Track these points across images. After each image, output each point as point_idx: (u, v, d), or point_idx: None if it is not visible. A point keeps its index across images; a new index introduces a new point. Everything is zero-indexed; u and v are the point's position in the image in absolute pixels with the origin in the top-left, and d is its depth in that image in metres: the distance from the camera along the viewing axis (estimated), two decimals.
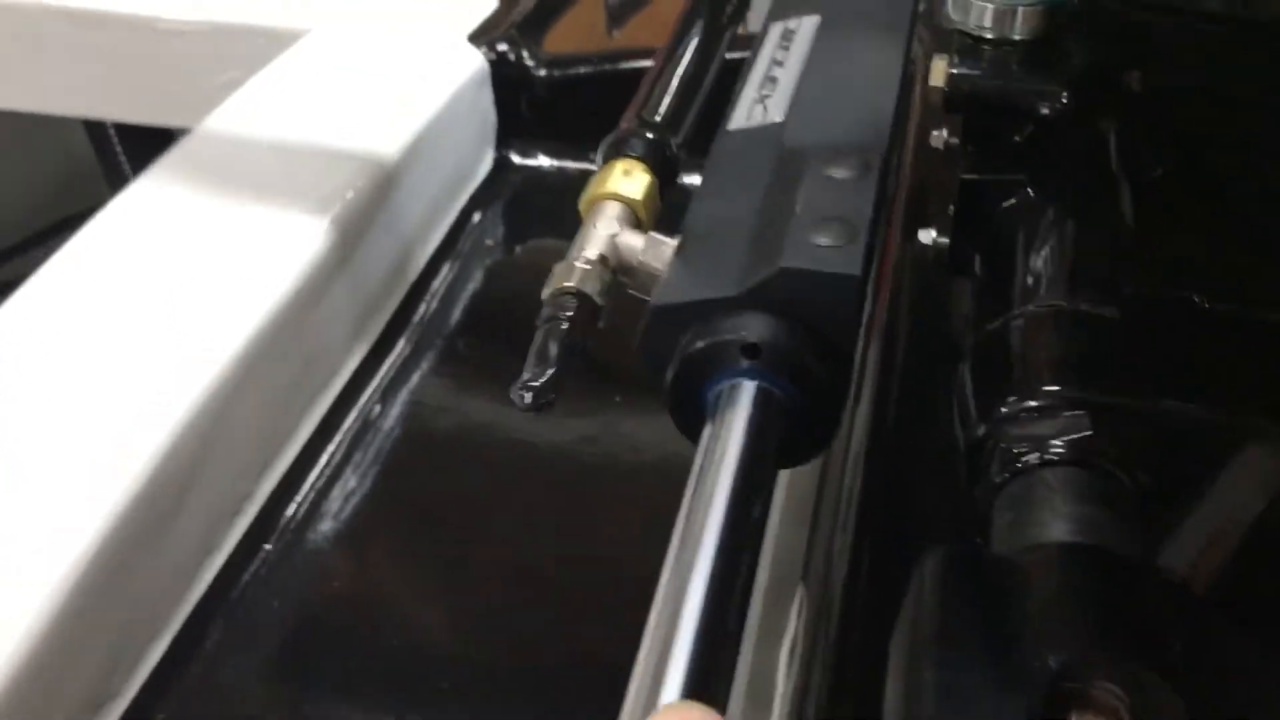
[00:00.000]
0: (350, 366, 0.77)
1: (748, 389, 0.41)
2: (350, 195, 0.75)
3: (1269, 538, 0.39)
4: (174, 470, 0.58)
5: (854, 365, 0.42)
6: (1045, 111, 0.49)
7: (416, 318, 0.83)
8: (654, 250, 0.45)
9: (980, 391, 0.43)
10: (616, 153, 0.48)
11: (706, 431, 0.41)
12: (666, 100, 0.50)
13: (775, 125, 0.51)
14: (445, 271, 0.87)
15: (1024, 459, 0.40)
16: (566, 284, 0.43)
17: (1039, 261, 0.47)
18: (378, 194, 0.78)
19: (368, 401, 0.77)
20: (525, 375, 0.41)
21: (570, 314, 0.42)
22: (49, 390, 0.60)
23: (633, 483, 0.72)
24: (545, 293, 0.44)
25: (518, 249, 0.90)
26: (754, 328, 0.41)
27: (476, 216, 0.93)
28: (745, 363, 0.41)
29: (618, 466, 0.74)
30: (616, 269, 0.45)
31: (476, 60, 0.91)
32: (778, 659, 0.59)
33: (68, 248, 0.71)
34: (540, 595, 0.65)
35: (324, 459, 0.72)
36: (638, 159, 0.48)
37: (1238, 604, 0.41)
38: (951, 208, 0.55)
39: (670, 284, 0.44)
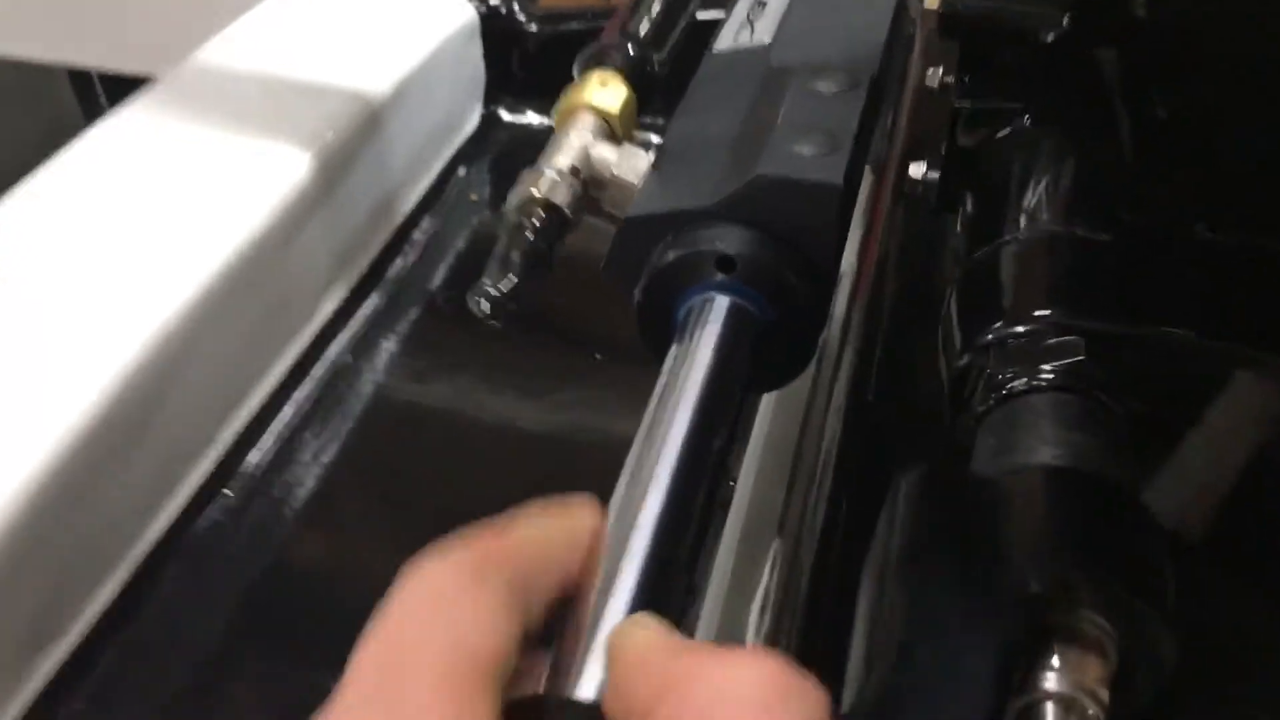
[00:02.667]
0: (324, 313, 0.74)
1: (720, 304, 0.39)
2: (332, 134, 0.73)
3: (1263, 471, 0.37)
4: (134, 401, 0.56)
5: (834, 284, 0.40)
6: (1043, 36, 0.47)
7: (395, 269, 0.81)
8: (628, 162, 0.43)
9: (966, 319, 0.41)
10: (594, 64, 0.46)
11: (674, 349, 0.39)
12: (651, 15, 0.47)
13: (762, 46, 0.48)
14: (427, 224, 0.85)
15: (1010, 385, 0.38)
16: (534, 192, 0.41)
17: (1033, 190, 0.44)
18: (361, 135, 0.76)
19: (340, 351, 0.75)
20: (484, 280, 0.38)
21: (537, 224, 0.40)
22: (10, 315, 0.58)
23: (610, 450, 0.70)
24: (511, 200, 0.42)
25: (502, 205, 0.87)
26: (728, 239, 0.39)
27: (462, 171, 0.90)
28: (719, 276, 0.39)
29: (594, 432, 0.71)
30: (588, 181, 0.43)
31: (467, 12, 0.89)
32: (749, 612, 0.57)
33: (39, 174, 0.68)
34: None
35: (290, 408, 0.70)
36: (616, 70, 0.45)
37: (1228, 546, 0.38)
38: (943, 142, 0.52)
39: (643, 195, 0.42)
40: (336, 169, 0.72)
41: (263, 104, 0.75)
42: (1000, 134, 0.48)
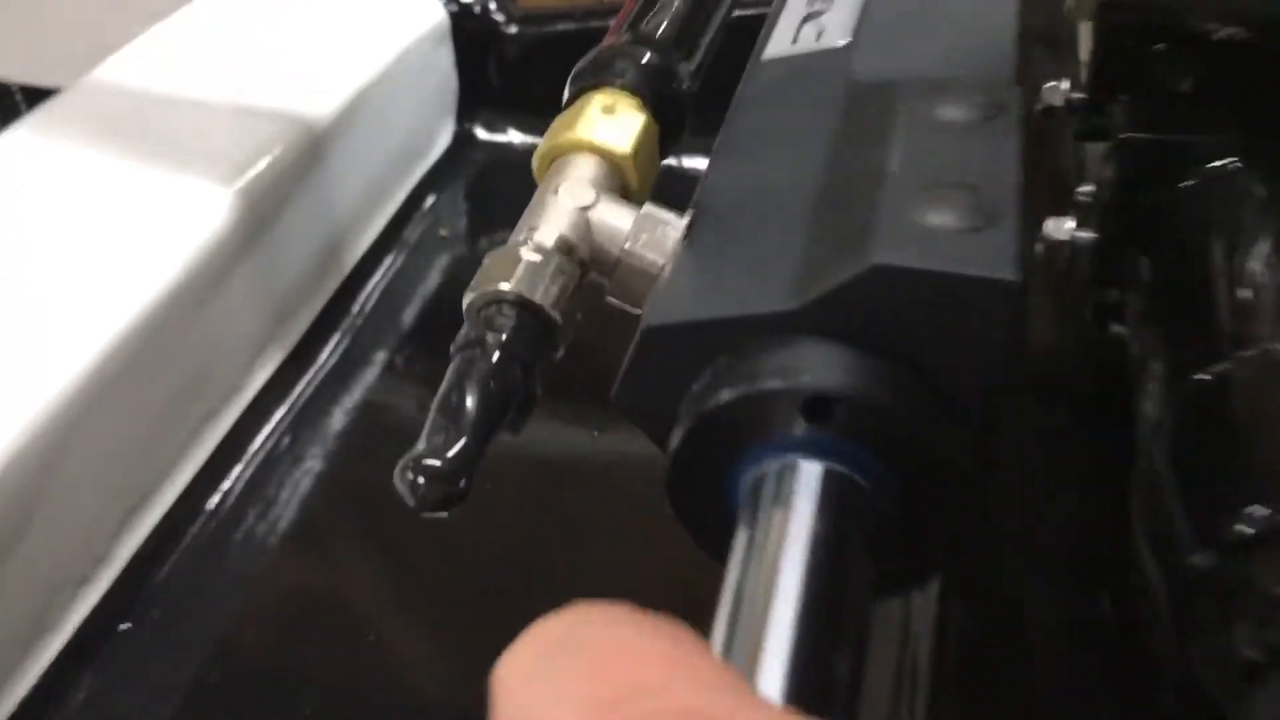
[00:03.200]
0: (257, 381, 0.62)
1: (810, 474, 0.24)
2: (265, 163, 0.62)
3: None
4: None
5: (995, 437, 0.25)
6: (1254, 37, 0.31)
7: (347, 322, 0.68)
8: (649, 233, 0.28)
9: (1194, 491, 0.26)
10: (595, 80, 0.30)
11: (740, 543, 0.24)
12: (672, 9, 0.32)
13: (837, 49, 0.33)
14: (387, 265, 0.73)
15: None
16: (502, 286, 0.26)
17: (1262, 267, 0.29)
18: (301, 164, 0.64)
19: (277, 427, 0.62)
20: (419, 448, 0.23)
21: (504, 338, 0.24)
22: None
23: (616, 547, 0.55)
24: (467, 300, 0.26)
25: (481, 241, 0.75)
26: (824, 368, 0.24)
27: (429, 200, 0.79)
28: (807, 429, 0.24)
29: (595, 542, 0.57)
30: (588, 262, 0.28)
31: (434, 11, 0.77)
32: None
33: None
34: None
35: (210, 509, 0.58)
36: (627, 90, 0.30)
37: None
38: (1087, 186, 0.37)
39: (674, 290, 0.27)
40: (270, 205, 0.62)
41: (179, 126, 0.64)
42: (1189, 182, 0.32)
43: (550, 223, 0.28)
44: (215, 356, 0.59)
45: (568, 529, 0.56)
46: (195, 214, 0.57)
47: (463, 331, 0.26)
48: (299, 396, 0.63)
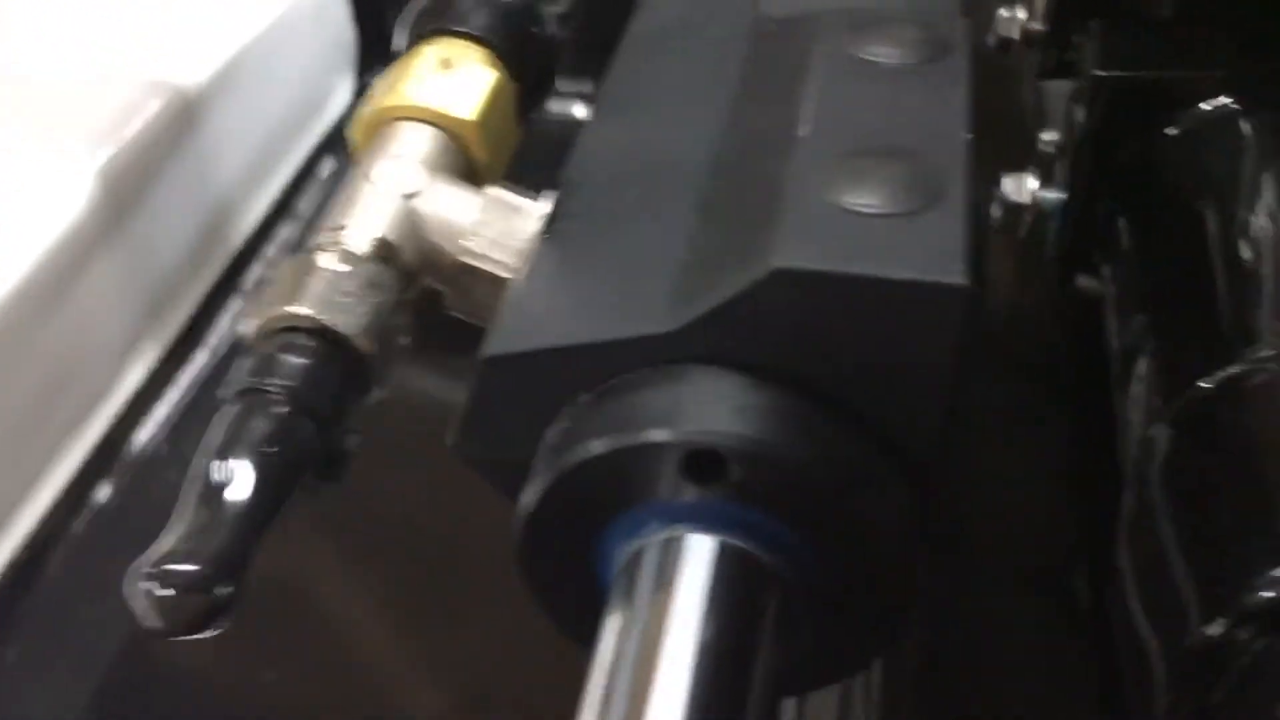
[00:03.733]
0: (128, 384, 0.56)
1: (699, 549, 0.19)
2: (132, 133, 0.55)
3: None
4: None
5: (943, 492, 0.19)
6: None
7: (236, 306, 0.60)
8: (497, 226, 0.21)
9: (1198, 541, 0.20)
10: (433, 24, 0.24)
11: (610, 631, 0.18)
12: None
13: None
14: (280, 241, 0.66)
15: None
16: (292, 309, 0.19)
17: (1274, 233, 0.23)
18: (173, 133, 0.58)
19: (155, 436, 0.55)
20: (162, 545, 0.17)
21: (293, 385, 0.18)
22: None
23: None
24: (249, 328, 0.20)
25: None
26: (712, 411, 0.18)
27: (327, 166, 0.71)
28: (694, 492, 0.18)
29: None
30: (419, 268, 0.21)
31: None
32: None
33: None
34: None
35: (85, 520, 0.51)
36: (473, 38, 0.23)
37: None
38: (1051, 134, 0.31)
39: (524, 306, 0.20)
40: (136, 183, 0.55)
41: (29, 94, 0.57)
42: (1178, 129, 0.26)
43: (363, 218, 0.21)
44: (79, 355, 0.53)
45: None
46: (50, 195, 0.51)
47: (237, 371, 0.20)
48: (178, 401, 0.57)
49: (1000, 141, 0.37)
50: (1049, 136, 0.32)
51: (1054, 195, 0.29)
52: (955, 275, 0.17)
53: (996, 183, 0.31)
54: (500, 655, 0.42)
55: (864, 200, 0.18)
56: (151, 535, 0.55)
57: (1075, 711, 0.35)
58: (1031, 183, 0.30)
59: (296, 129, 0.69)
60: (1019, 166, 0.31)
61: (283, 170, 0.68)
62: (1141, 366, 0.24)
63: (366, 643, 0.49)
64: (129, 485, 0.54)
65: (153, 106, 0.57)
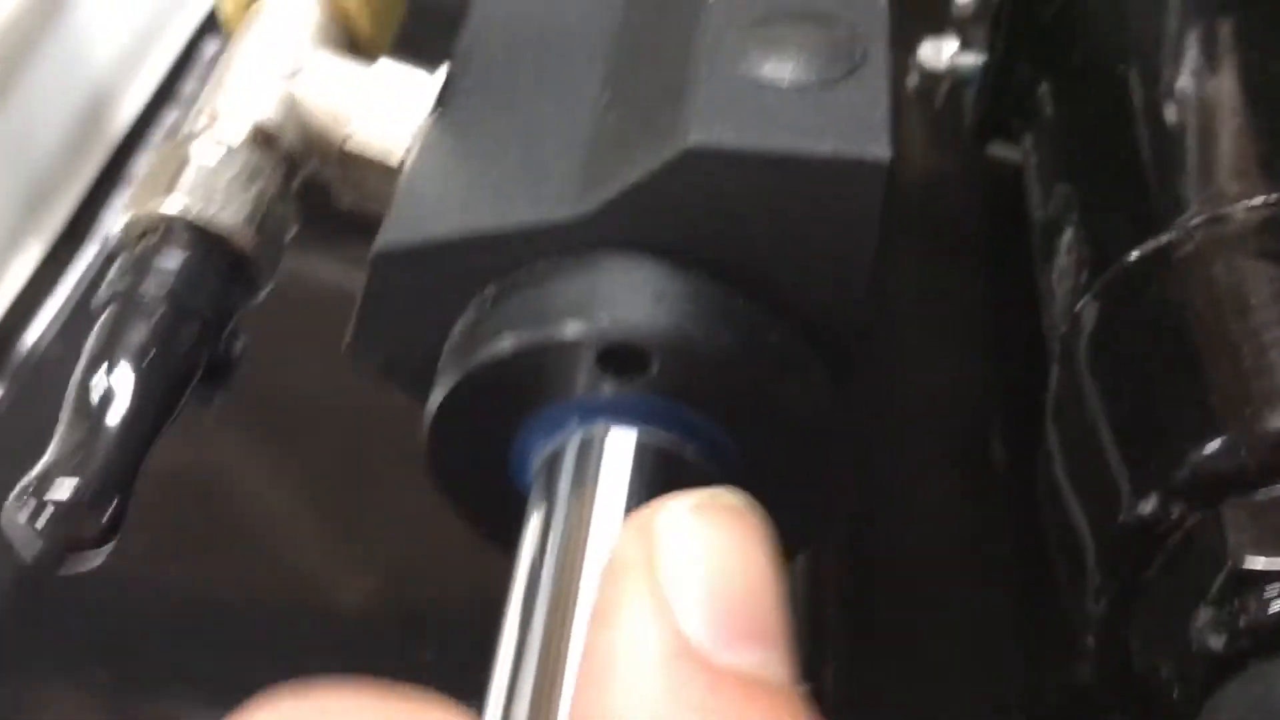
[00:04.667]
0: (11, 282, 0.52)
1: (620, 444, 0.17)
2: None
3: None
4: None
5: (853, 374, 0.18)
6: None
7: (123, 197, 0.56)
8: (385, 104, 0.19)
9: (1127, 416, 0.19)
10: None
11: (531, 533, 0.18)
12: None
13: None
14: (168, 126, 0.60)
15: None
16: (164, 206, 0.17)
17: (1207, 92, 0.22)
18: (40, 17, 0.54)
19: (43, 337, 0.51)
20: (37, 469, 0.15)
21: (170, 287, 0.17)
22: None
23: None
24: (118, 226, 0.18)
25: None
26: (627, 301, 0.17)
27: (210, 48, 0.66)
28: (613, 386, 0.17)
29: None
30: (299, 155, 0.19)
31: None
32: None
33: None
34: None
35: None
36: None
37: None
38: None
39: (416, 194, 0.19)
40: (3, 68, 0.52)
41: None
42: None
43: (238, 102, 0.19)
44: None
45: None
46: None
47: (110, 276, 0.18)
48: (73, 291, 0.55)
49: (914, 5, 0.36)
50: None
51: (971, 60, 0.28)
52: (879, 149, 0.16)
53: (911, 50, 0.30)
54: (421, 538, 0.41)
55: (778, 70, 0.17)
56: (44, 442, 0.52)
57: (992, 583, 0.34)
58: (950, 47, 0.28)
59: (174, 6, 0.66)
60: (936, 30, 0.30)
61: (162, 52, 0.64)
62: (1066, 239, 0.23)
63: (282, 534, 0.48)
64: (18, 390, 0.51)
65: None
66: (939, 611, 0.35)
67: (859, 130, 0.16)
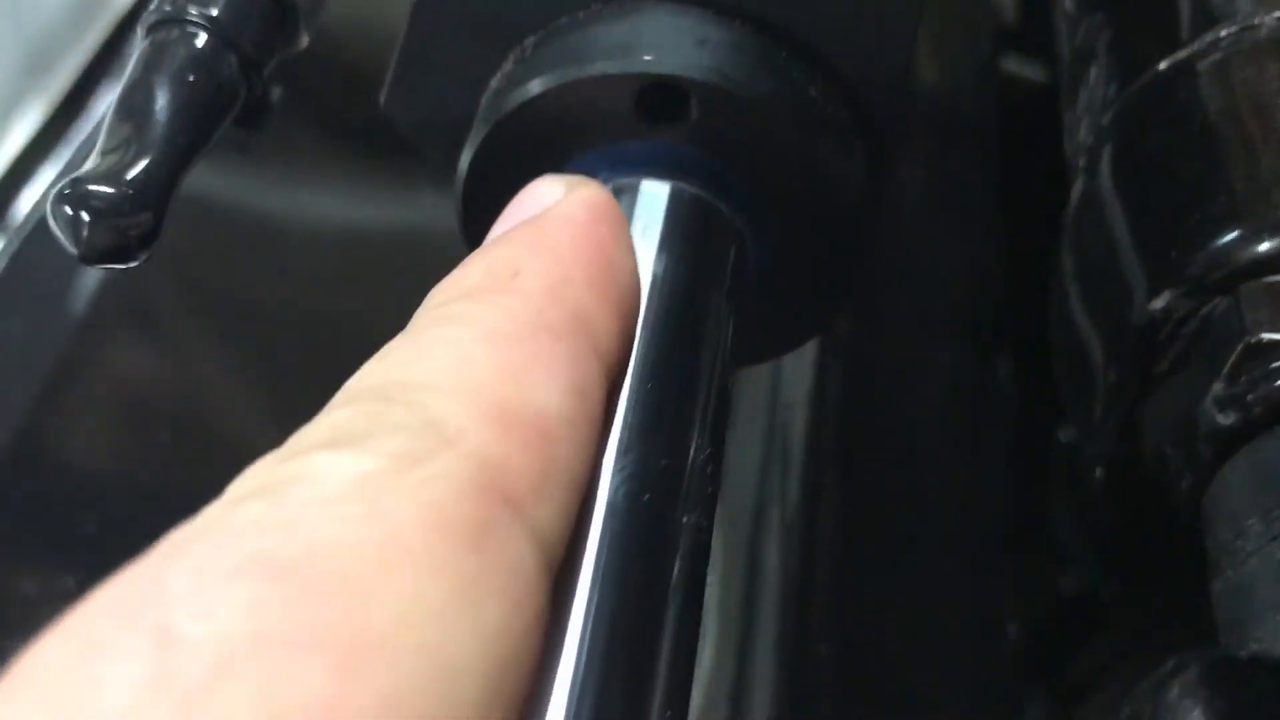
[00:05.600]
0: (10, 145, 0.52)
1: (653, 197, 0.17)
2: None
3: None
4: None
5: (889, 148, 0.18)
6: None
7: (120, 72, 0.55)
8: None
9: (1144, 217, 0.19)
10: None
11: None
12: None
13: None
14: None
15: None
16: None
17: None
18: None
19: (40, 202, 0.51)
20: (85, 168, 0.15)
21: (213, 14, 0.17)
22: None
23: None
24: None
25: None
26: (671, 44, 0.17)
27: None
28: (649, 133, 0.17)
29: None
30: None
31: None
32: None
33: None
34: None
35: None
36: None
37: None
38: None
39: None
40: None
41: None
42: None
43: None
44: None
45: None
46: None
47: (156, 2, 0.18)
48: (72, 156, 0.54)
49: None
50: None
51: None
52: None
53: None
54: None
55: None
56: (43, 303, 0.51)
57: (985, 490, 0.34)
58: None
59: None
60: None
61: None
62: (1094, 66, 0.23)
63: (254, 443, 0.47)
64: (15, 252, 0.50)
65: None
66: (931, 519, 0.35)
67: None
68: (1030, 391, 0.34)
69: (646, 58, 0.17)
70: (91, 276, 0.51)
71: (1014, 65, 0.45)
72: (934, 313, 0.39)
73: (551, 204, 0.16)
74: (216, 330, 0.47)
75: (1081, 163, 0.22)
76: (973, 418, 0.37)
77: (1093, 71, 0.23)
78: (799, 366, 0.36)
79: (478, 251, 0.15)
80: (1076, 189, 0.22)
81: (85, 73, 0.56)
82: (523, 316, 0.14)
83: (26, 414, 0.45)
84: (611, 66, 0.17)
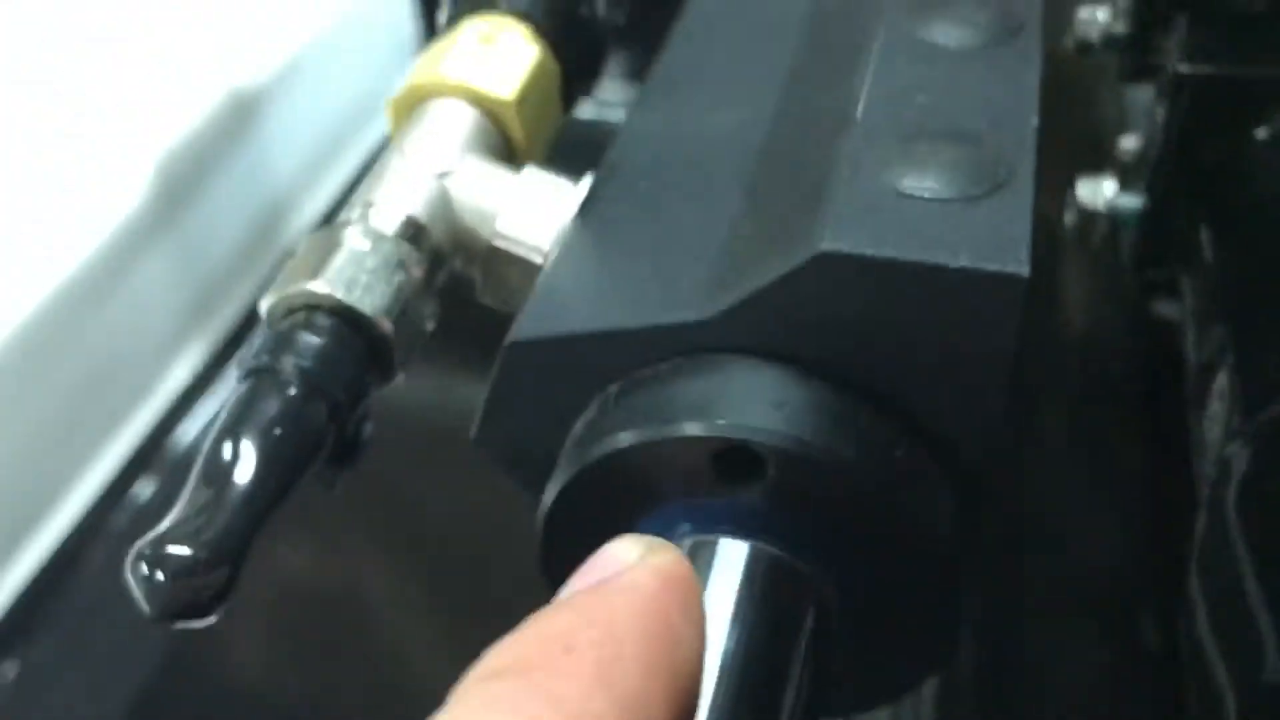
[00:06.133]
0: (174, 380, 0.55)
1: (730, 555, 0.17)
2: (189, 130, 0.54)
3: None
4: None
5: (991, 504, 0.17)
6: None
7: None
8: (531, 208, 0.20)
9: (1271, 567, 0.18)
10: (473, 2, 0.22)
11: None
12: None
13: None
14: None
15: None
16: (311, 286, 0.18)
17: None
18: (231, 130, 0.57)
19: (200, 434, 0.54)
20: (163, 525, 0.16)
21: (307, 365, 0.17)
22: None
23: None
24: (265, 304, 0.19)
25: None
26: (747, 405, 0.17)
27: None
28: (727, 491, 0.16)
29: None
30: (448, 250, 0.20)
31: None
32: None
33: None
34: None
35: (123, 520, 0.50)
36: (516, 14, 0.22)
37: None
38: (1132, 139, 0.29)
39: (554, 291, 0.19)
40: (189, 181, 0.54)
41: (85, 86, 0.54)
42: (1263, 129, 0.24)
43: (393, 195, 0.20)
44: (126, 349, 0.52)
45: None
46: (105, 188, 0.50)
47: (255, 345, 0.19)
48: (227, 398, 0.57)
49: (1077, 149, 0.36)
50: (1128, 143, 0.30)
51: (1131, 201, 0.27)
52: (1016, 264, 0.16)
53: (1071, 187, 0.29)
54: None
55: (921, 184, 0.17)
56: None
57: None
58: (1109, 187, 0.28)
59: (356, 127, 0.68)
60: (1097, 171, 0.30)
61: (341, 168, 0.67)
62: (1220, 382, 0.22)
63: (398, 643, 0.47)
64: (171, 482, 0.52)
65: (210, 104, 0.55)
66: None
67: (997, 245, 0.16)
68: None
69: (720, 421, 0.16)
70: None
71: (1166, 308, 0.44)
72: (1074, 581, 0.37)
73: (623, 568, 0.15)
74: (376, 528, 0.49)
75: (1206, 495, 0.20)
76: (1114, 696, 0.35)
77: (1215, 390, 0.22)
78: None
79: (538, 614, 0.15)
80: (1202, 521, 0.20)
81: (249, 311, 0.59)
82: (570, 706, 0.14)
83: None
84: (688, 428, 0.17)
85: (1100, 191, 0.28)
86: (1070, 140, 0.42)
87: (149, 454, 0.53)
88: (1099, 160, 0.32)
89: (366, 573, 0.50)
